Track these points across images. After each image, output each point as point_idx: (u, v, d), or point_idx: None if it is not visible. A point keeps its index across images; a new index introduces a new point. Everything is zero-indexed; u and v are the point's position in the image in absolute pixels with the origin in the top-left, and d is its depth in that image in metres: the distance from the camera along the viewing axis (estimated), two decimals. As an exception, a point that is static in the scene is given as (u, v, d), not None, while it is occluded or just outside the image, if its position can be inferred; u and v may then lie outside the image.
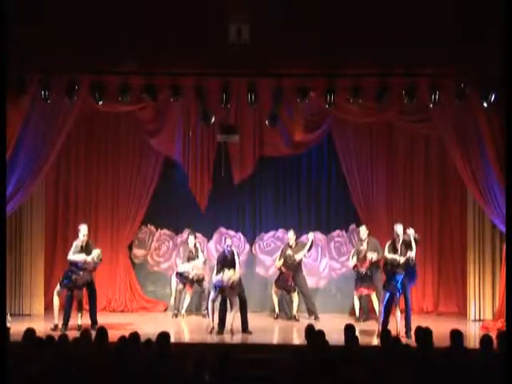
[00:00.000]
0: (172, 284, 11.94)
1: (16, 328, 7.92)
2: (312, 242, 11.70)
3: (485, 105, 10.02)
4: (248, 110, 11.56)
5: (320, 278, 12.60)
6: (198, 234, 12.40)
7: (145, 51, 9.98)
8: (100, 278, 11.79)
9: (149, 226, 12.78)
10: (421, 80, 10.18)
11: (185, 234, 12.31)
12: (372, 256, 11.17)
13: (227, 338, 10.13)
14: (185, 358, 6.89)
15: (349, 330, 7.47)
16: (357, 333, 7.57)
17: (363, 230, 11.53)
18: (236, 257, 10.49)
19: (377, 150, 12.35)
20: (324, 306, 12.12)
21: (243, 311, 10.49)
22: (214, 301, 10.31)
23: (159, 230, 12.78)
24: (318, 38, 9.83)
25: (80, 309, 10.71)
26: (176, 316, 11.80)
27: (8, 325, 9.17)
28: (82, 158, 12.57)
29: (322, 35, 9.81)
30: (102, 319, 10.68)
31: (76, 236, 10.86)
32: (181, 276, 11.76)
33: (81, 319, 10.63)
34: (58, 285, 10.66)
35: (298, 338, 10.29)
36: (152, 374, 6.42)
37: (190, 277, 11.70)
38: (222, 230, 12.64)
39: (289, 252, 11.61)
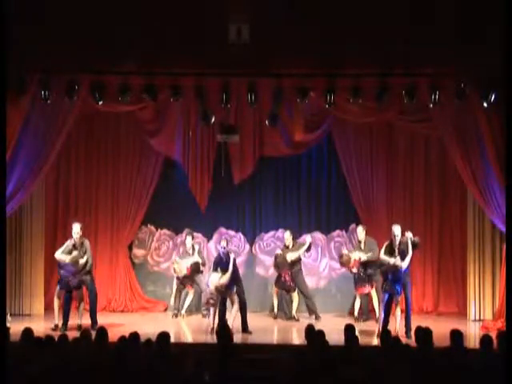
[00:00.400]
0: (173, 284, 11.95)
1: (16, 328, 7.91)
2: (310, 244, 11.70)
3: (485, 105, 10.02)
4: (248, 110, 11.56)
5: (320, 277, 12.60)
6: (197, 234, 12.43)
7: (145, 51, 9.98)
8: (100, 277, 11.82)
9: (149, 225, 12.78)
10: (421, 80, 10.18)
11: (184, 234, 12.31)
12: (360, 256, 11.17)
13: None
14: (185, 358, 6.89)
15: (349, 330, 7.48)
16: (357, 333, 7.57)
17: (360, 231, 11.53)
18: (231, 260, 10.33)
19: (377, 150, 12.35)
20: (324, 306, 12.12)
21: (243, 313, 10.47)
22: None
23: (159, 229, 12.78)
24: (317, 38, 9.83)
25: (80, 308, 10.70)
26: (176, 316, 11.80)
27: (8, 325, 9.17)
28: (82, 157, 12.58)
29: (321, 35, 9.81)
30: (102, 319, 10.68)
31: (75, 236, 10.86)
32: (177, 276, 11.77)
33: (81, 319, 10.62)
34: (57, 285, 10.67)
35: (298, 338, 10.28)
36: (152, 374, 6.42)
37: (182, 274, 11.67)
38: (222, 229, 12.64)
39: (278, 251, 11.69)
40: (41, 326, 10.45)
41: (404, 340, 8.68)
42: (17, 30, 9.44)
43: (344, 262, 11.37)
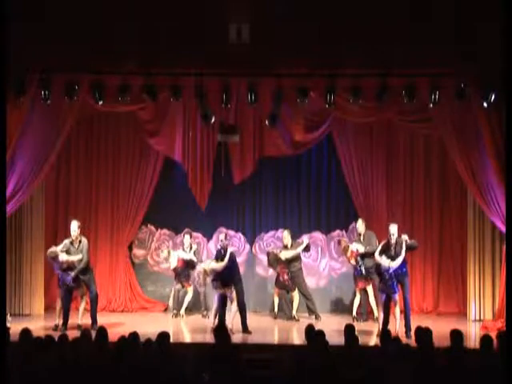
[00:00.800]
0: (173, 284, 11.97)
1: (16, 328, 7.91)
2: (308, 245, 11.70)
3: (485, 105, 10.02)
4: (248, 110, 11.56)
5: (320, 277, 12.61)
6: (197, 234, 12.44)
7: (145, 51, 9.98)
8: (100, 278, 11.81)
9: (149, 225, 12.78)
10: (421, 80, 10.17)
11: (183, 233, 12.31)
12: (357, 247, 11.21)
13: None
14: (185, 358, 6.90)
15: (349, 330, 7.48)
16: (357, 333, 7.57)
17: (359, 223, 11.57)
18: (228, 253, 10.35)
19: (377, 150, 12.36)
20: (324, 305, 12.14)
21: (242, 314, 10.45)
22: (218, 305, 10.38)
23: (159, 229, 12.78)
24: (317, 38, 9.83)
25: (80, 308, 10.70)
26: (176, 316, 11.81)
27: (8, 325, 9.17)
28: (81, 157, 12.58)
29: (321, 35, 9.81)
30: (102, 319, 10.67)
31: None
32: (175, 272, 11.79)
33: (81, 319, 10.62)
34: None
35: (298, 338, 10.28)
36: (152, 374, 6.42)
37: (173, 265, 11.72)
38: (222, 229, 12.62)
39: (270, 249, 11.79)
40: (41, 326, 10.45)
41: (404, 340, 8.69)
42: (17, 30, 9.45)
43: (342, 250, 11.52)
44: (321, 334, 7.32)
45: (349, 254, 11.34)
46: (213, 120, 10.94)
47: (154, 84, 10.29)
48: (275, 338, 10.78)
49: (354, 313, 11.49)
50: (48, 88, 10.14)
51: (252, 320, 10.73)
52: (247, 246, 12.68)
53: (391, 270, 9.89)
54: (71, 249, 10.51)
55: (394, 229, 10.25)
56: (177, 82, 10.31)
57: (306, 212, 12.64)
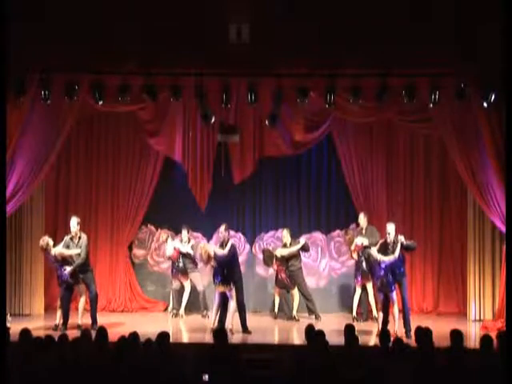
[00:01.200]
0: (172, 284, 11.97)
1: (16, 328, 7.91)
2: (307, 245, 11.69)
3: (485, 105, 10.02)
4: (248, 110, 11.56)
5: (320, 277, 12.61)
6: (197, 234, 12.45)
7: (145, 51, 9.98)
8: (100, 278, 11.82)
9: (149, 225, 12.78)
10: (421, 80, 10.17)
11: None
12: (362, 241, 11.26)
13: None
14: (184, 358, 6.90)
15: (349, 330, 7.48)
16: (357, 333, 7.57)
17: (361, 217, 11.62)
18: (228, 244, 10.39)
19: (377, 149, 12.36)
20: (324, 305, 12.12)
21: (241, 315, 10.44)
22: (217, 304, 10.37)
23: (159, 229, 12.78)
24: (317, 38, 9.83)
25: (80, 308, 10.69)
26: (175, 316, 11.81)
27: (8, 325, 9.17)
28: (82, 157, 12.59)
29: (321, 35, 9.81)
30: (102, 319, 10.67)
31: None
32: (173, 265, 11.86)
33: (81, 319, 10.62)
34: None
35: (298, 338, 10.29)
36: (152, 374, 6.42)
37: (167, 254, 11.81)
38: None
39: (265, 246, 11.88)
40: (41, 326, 10.45)
41: (404, 340, 8.68)
42: (17, 30, 9.45)
43: (347, 241, 11.60)
44: (321, 334, 7.32)
45: (353, 246, 11.38)
46: (213, 120, 10.94)
47: (153, 84, 10.29)
48: (275, 338, 10.78)
49: (354, 313, 11.52)
50: (48, 88, 10.14)
51: (252, 320, 10.73)
52: (247, 246, 12.68)
53: (383, 265, 9.90)
54: (71, 244, 10.53)
55: (390, 228, 10.26)
56: (177, 81, 10.31)
57: (306, 212, 12.64)
